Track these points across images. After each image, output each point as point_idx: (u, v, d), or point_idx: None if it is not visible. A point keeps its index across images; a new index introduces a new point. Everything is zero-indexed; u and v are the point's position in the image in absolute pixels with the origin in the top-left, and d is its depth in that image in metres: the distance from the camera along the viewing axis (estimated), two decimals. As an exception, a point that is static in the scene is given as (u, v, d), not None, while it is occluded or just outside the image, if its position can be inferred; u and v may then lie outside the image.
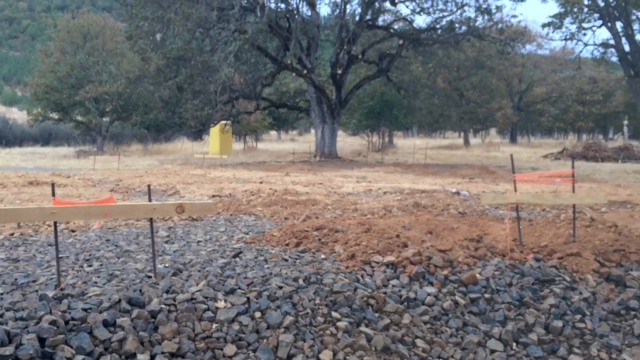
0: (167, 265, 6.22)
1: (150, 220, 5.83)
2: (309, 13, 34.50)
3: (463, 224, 8.75)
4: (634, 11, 27.28)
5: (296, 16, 32.20)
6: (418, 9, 34.01)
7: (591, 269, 6.88)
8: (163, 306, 4.85)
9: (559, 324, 5.86)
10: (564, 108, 61.92)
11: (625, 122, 53.54)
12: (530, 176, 10.24)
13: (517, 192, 7.90)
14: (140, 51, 29.84)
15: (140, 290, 5.09)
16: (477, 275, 6.33)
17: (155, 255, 5.75)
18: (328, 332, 5.08)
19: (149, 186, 5.93)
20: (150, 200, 5.82)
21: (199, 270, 5.92)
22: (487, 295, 6.11)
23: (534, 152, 44.47)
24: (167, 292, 5.14)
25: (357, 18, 33.89)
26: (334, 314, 5.33)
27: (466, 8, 32.47)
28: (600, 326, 6.01)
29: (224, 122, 35.73)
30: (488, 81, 48.29)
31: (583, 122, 62.54)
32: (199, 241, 7.69)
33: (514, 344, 5.56)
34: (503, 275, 6.51)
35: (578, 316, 6.05)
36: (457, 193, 14.68)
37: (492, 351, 5.42)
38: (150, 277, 5.64)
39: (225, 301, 5.12)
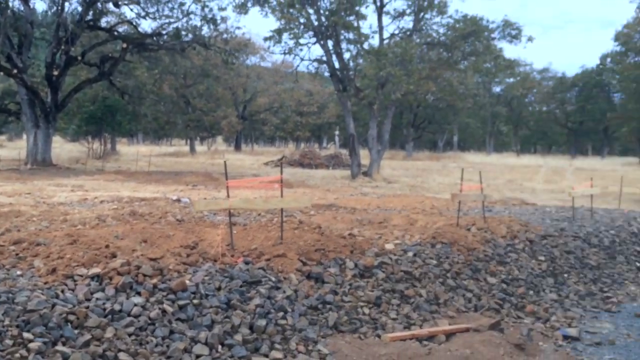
0: None
1: None
2: (22, 7, 31.37)
3: (180, 231, 8.74)
4: (343, 32, 30.22)
5: (7, 10, 28.95)
6: (143, 13, 33.16)
7: (295, 268, 7.39)
8: None
9: (262, 322, 6.17)
10: (284, 118, 66.11)
11: (337, 132, 59.39)
12: (242, 182, 10.66)
13: (230, 198, 8.17)
14: None
15: None
16: (187, 282, 6.35)
17: None
18: (18, 355, 4.64)
19: None
20: None
21: None
22: (195, 301, 6.16)
23: (256, 159, 46.53)
24: None
25: (78, 17, 31.80)
26: (26, 334, 4.87)
27: (192, 16, 32.56)
28: (299, 321, 6.49)
29: None
30: (214, 90, 49.39)
31: (301, 132, 67.50)
32: None
33: (220, 347, 5.70)
34: (213, 279, 6.64)
35: (281, 313, 6.45)
36: (178, 200, 14.65)
37: (198, 356, 5.47)
38: None
39: None
